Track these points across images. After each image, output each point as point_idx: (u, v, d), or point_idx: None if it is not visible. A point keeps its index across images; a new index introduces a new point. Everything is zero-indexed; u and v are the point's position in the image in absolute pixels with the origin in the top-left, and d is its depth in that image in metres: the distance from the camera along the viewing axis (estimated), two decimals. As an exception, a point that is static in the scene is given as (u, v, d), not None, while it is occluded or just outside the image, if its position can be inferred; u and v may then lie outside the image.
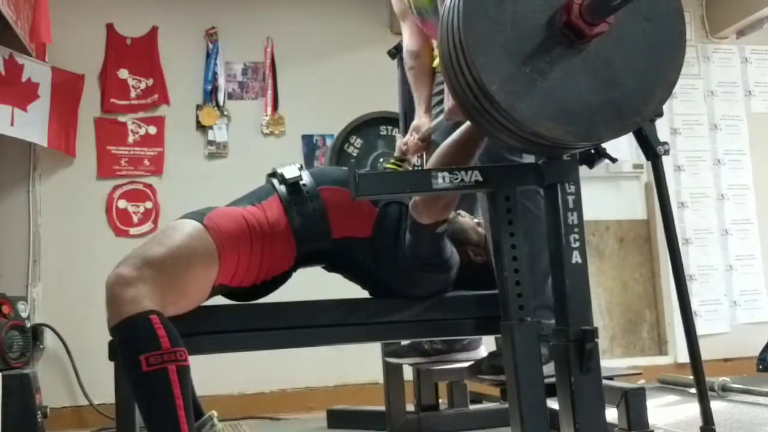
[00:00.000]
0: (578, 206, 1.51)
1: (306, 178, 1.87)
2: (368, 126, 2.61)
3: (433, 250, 1.77)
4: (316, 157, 3.97)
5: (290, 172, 1.88)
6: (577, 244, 1.50)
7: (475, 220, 2.06)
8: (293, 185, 1.84)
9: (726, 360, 4.22)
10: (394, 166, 2.32)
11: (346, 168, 1.54)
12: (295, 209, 1.81)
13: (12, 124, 3.36)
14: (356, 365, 3.69)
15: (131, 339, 1.50)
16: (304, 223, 1.80)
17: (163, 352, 1.48)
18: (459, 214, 2.05)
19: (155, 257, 1.58)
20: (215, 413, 2.03)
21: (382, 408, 2.72)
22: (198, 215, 1.72)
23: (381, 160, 2.54)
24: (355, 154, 2.57)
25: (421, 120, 2.27)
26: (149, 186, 3.80)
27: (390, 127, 2.64)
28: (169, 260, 1.59)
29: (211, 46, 3.94)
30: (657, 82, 1.36)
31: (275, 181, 1.89)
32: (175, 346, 1.50)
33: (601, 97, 1.32)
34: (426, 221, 1.70)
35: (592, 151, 1.57)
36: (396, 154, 2.34)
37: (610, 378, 2.10)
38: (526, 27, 1.30)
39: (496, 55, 1.27)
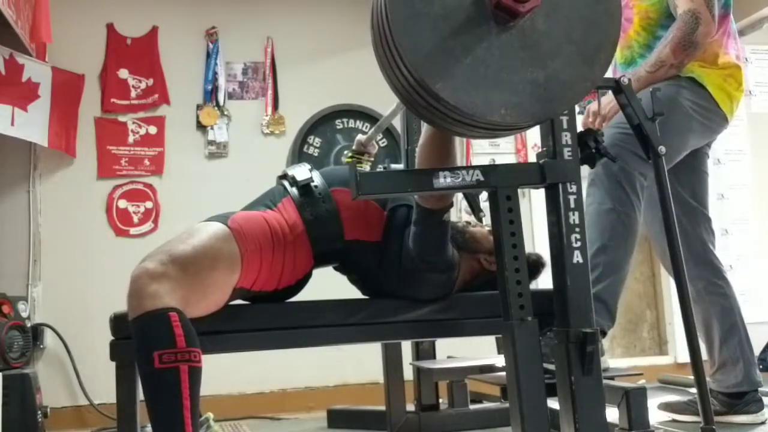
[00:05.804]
0: (579, 206, 1.52)
1: (317, 180, 1.88)
2: (324, 123, 2.60)
3: (437, 241, 1.77)
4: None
5: (301, 173, 1.88)
6: (578, 244, 1.51)
7: (487, 228, 2.06)
8: (305, 187, 1.85)
9: (726, 360, 4.22)
10: (351, 161, 2.33)
11: None
12: (308, 211, 1.81)
13: (12, 124, 3.36)
14: (356, 365, 3.69)
15: (147, 334, 1.50)
16: (318, 224, 1.81)
17: (177, 350, 1.48)
18: (469, 223, 2.05)
19: (181, 255, 1.58)
20: (212, 415, 2.03)
21: (383, 408, 2.72)
22: (222, 218, 1.73)
23: (345, 152, 2.53)
24: (316, 155, 2.56)
25: None
26: (149, 186, 3.80)
27: (346, 120, 2.63)
28: (194, 259, 1.59)
29: (211, 46, 3.94)
30: (599, 44, 1.33)
31: (286, 183, 1.90)
32: (191, 346, 1.50)
33: (546, 71, 1.29)
34: (429, 206, 1.71)
35: (593, 151, 1.57)
36: (354, 147, 2.35)
37: (611, 378, 2.09)
38: (454, 7, 1.26)
39: (422, 37, 1.24)
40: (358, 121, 2.62)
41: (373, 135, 2.32)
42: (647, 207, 2.51)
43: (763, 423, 2.38)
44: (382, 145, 2.61)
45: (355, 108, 2.65)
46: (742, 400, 2.39)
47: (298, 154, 2.54)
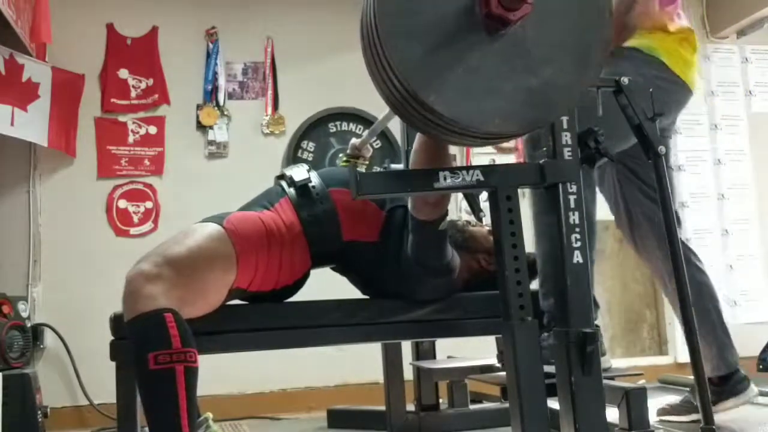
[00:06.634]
0: (579, 206, 1.51)
1: (315, 180, 1.87)
2: (317, 127, 2.60)
3: (435, 248, 1.77)
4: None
5: (299, 174, 1.88)
6: (579, 243, 1.51)
7: (487, 228, 2.05)
8: (302, 187, 1.85)
9: (726, 360, 4.22)
10: (346, 165, 2.34)
11: None
12: (306, 211, 1.81)
13: (12, 124, 3.35)
14: (356, 365, 3.69)
15: (143, 335, 1.51)
16: (316, 225, 1.81)
17: (173, 351, 1.48)
18: (469, 223, 2.05)
19: (176, 256, 1.59)
20: (211, 415, 2.03)
21: (383, 408, 2.72)
22: (218, 219, 1.72)
23: (340, 155, 2.53)
24: (310, 159, 2.57)
25: None
26: (149, 186, 3.80)
27: (339, 122, 2.63)
28: (189, 261, 1.60)
29: (211, 46, 3.94)
30: (591, 44, 1.33)
31: (284, 184, 1.89)
32: (186, 346, 1.50)
33: (539, 78, 1.28)
34: (424, 217, 1.70)
35: (593, 151, 1.57)
36: (348, 151, 2.36)
37: (611, 378, 2.10)
38: (444, 18, 1.25)
39: (413, 49, 1.23)
40: (351, 124, 2.63)
41: (367, 138, 2.32)
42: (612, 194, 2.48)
43: (754, 400, 2.35)
44: (376, 146, 2.62)
45: (348, 111, 2.65)
46: (727, 384, 2.37)
47: (292, 159, 2.55)
